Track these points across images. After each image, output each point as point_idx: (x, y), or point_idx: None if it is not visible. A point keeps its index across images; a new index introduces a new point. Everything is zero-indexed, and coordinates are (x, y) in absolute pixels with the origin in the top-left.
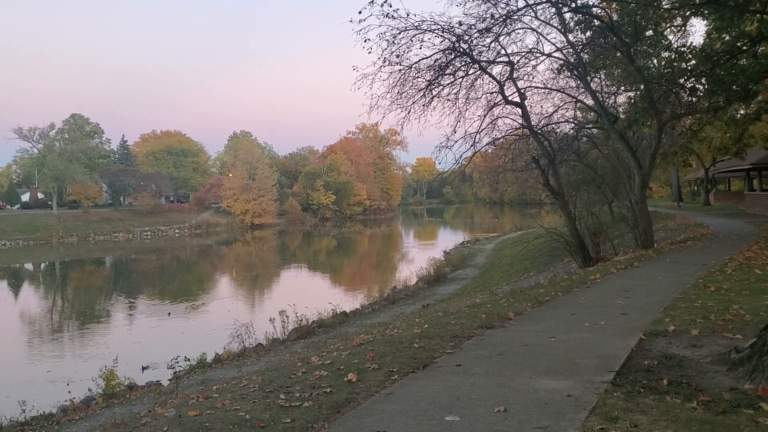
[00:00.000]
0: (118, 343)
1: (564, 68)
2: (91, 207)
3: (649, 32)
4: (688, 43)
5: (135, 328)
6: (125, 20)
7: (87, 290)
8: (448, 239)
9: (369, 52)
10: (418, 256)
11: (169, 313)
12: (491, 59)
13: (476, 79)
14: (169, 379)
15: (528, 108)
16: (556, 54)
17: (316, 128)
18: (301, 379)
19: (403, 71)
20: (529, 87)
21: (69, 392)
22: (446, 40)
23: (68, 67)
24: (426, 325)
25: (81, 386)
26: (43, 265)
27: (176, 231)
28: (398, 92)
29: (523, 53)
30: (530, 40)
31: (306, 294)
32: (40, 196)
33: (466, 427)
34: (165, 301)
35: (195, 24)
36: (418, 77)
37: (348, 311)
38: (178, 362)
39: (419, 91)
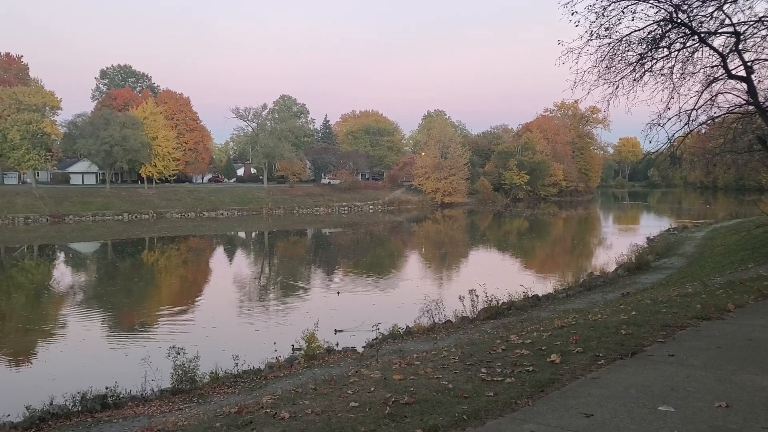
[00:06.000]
0: (317, 309)
1: None
2: (296, 182)
3: None
4: None
5: (331, 295)
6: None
7: (290, 258)
8: (652, 225)
9: (576, 26)
10: (617, 242)
11: (338, 292)
12: (712, 30)
13: (694, 52)
14: (363, 346)
15: (755, 83)
16: None
17: (511, 107)
18: (501, 355)
19: (612, 44)
20: (757, 60)
21: (275, 351)
22: (661, 11)
23: (279, 51)
24: (633, 312)
25: (284, 346)
26: (253, 234)
27: (370, 207)
28: (606, 66)
29: (752, 22)
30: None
31: (495, 274)
32: (252, 171)
33: (682, 420)
34: (359, 273)
35: (391, 9)
36: (628, 51)
37: (540, 295)
38: (378, 328)
39: (629, 65)
